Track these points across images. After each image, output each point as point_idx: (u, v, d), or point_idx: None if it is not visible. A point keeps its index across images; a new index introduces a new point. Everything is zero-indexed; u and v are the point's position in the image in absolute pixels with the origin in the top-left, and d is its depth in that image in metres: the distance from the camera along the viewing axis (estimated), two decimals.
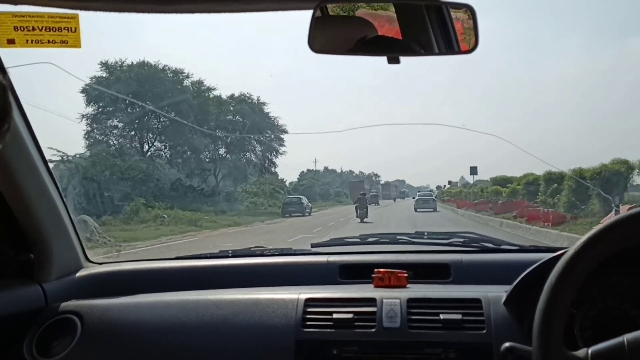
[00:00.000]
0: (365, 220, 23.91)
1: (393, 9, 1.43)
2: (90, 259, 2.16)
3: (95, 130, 33.85)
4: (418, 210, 34.31)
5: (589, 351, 1.16)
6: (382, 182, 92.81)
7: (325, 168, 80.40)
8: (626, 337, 1.13)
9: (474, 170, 37.39)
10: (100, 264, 2.17)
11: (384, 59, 1.45)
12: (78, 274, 2.04)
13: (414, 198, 44.11)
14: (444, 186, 72.28)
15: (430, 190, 58.61)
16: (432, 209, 34.57)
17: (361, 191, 28.88)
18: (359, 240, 2.41)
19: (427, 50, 1.49)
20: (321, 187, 62.38)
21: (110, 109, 33.59)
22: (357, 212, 24.64)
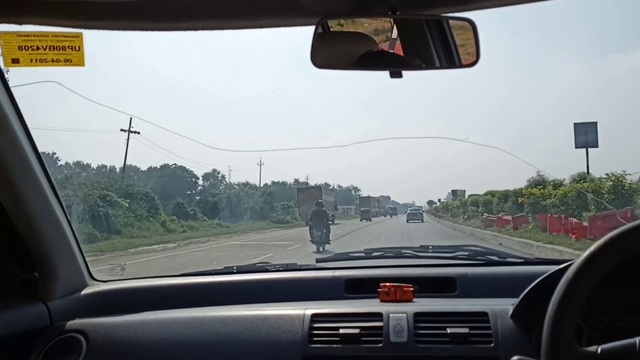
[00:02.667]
0: (326, 248, 15.40)
1: (394, 24, 1.44)
2: (95, 276, 2.16)
3: None
4: (409, 221, 40.52)
5: (599, 348, 1.15)
6: (362, 195, 77.56)
7: (296, 180, 66.37)
8: (638, 339, 1.13)
9: (588, 136, 18.62)
10: (105, 281, 2.16)
11: (377, 73, 1.47)
12: (83, 292, 2.04)
13: (406, 212, 50.18)
14: (439, 200, 68.56)
15: (419, 207, 62.46)
16: (420, 220, 42.02)
17: (317, 201, 19.01)
18: (364, 254, 2.41)
19: (429, 65, 1.50)
20: (258, 201, 43.86)
21: None
22: (311, 235, 16.24)
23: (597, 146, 19.23)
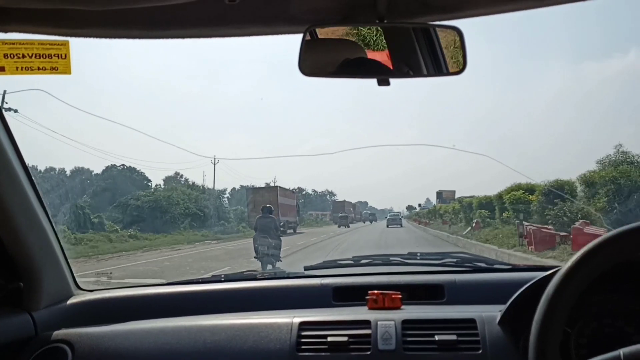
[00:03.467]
0: (277, 266, 11.84)
1: (382, 32, 1.45)
2: (81, 286, 2.14)
3: None
4: (389, 226, 43.88)
5: None
6: (337, 199, 70.73)
7: (267, 184, 57.91)
8: (622, 351, 1.13)
9: None
10: (91, 291, 2.14)
11: (364, 80, 1.47)
12: (68, 302, 2.02)
13: (386, 217, 53.11)
14: (419, 205, 66.90)
15: (398, 212, 65.09)
16: (399, 225, 45.03)
17: (264, 205, 13.88)
18: (352, 262, 2.41)
19: (416, 72, 1.51)
20: (203, 205, 35.03)
21: None
22: (255, 250, 12.18)
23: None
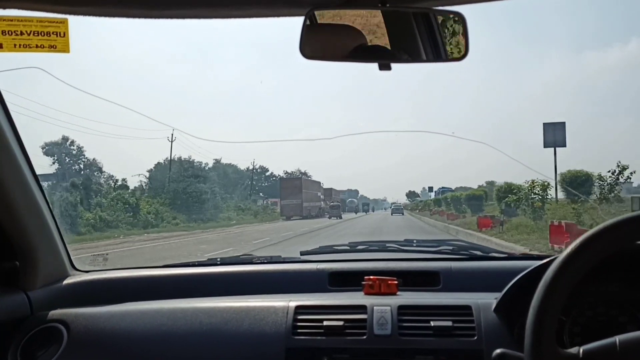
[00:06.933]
0: None
1: (384, 16, 1.43)
2: (77, 266, 2.14)
3: None
4: (393, 214, 49.79)
5: (581, 349, 1.16)
6: (305, 178, 52.11)
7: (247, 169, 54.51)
8: (618, 338, 1.14)
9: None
10: (87, 271, 2.14)
11: (364, 65, 1.46)
12: (64, 282, 2.02)
13: (389, 208, 57.33)
14: (431, 189, 61.15)
15: (400, 203, 67.14)
16: (400, 214, 51.02)
17: None
18: (348, 247, 2.41)
19: (418, 58, 1.49)
20: None
21: None
22: None
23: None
